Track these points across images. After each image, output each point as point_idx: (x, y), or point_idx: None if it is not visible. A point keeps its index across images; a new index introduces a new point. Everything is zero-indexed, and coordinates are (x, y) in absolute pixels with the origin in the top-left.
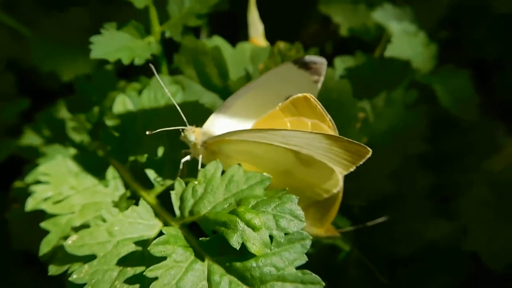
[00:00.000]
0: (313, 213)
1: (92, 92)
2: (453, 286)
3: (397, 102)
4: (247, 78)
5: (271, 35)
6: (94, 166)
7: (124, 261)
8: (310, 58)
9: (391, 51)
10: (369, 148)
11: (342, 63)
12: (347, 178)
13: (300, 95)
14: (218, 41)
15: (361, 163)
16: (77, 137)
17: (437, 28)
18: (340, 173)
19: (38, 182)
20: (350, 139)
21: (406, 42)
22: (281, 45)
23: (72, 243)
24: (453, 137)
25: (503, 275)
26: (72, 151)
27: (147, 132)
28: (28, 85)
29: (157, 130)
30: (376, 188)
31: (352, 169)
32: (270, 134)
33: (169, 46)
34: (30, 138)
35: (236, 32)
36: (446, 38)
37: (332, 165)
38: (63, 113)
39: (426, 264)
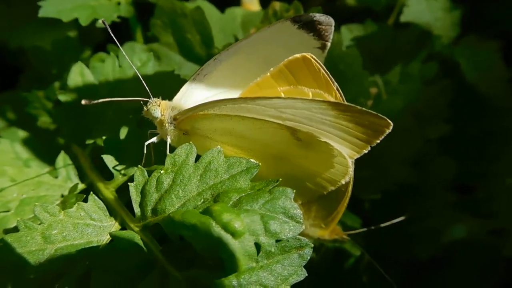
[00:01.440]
0: (316, 211)
1: (51, 64)
2: None
3: (414, 77)
4: None
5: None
6: (48, 152)
7: (61, 277)
8: (314, 16)
9: (408, 15)
10: (389, 120)
11: (349, 32)
12: (356, 166)
13: (297, 55)
14: (201, 3)
15: (378, 141)
16: (40, 119)
17: None
18: (349, 158)
19: None
20: (363, 108)
21: (424, 5)
22: (277, 5)
23: None
24: (476, 118)
25: None
26: (22, 134)
27: (82, 101)
28: None
29: (100, 100)
30: (391, 178)
31: (365, 151)
32: (259, 105)
33: (146, 10)
34: None
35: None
36: (469, 6)
37: (340, 147)
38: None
39: (452, 267)
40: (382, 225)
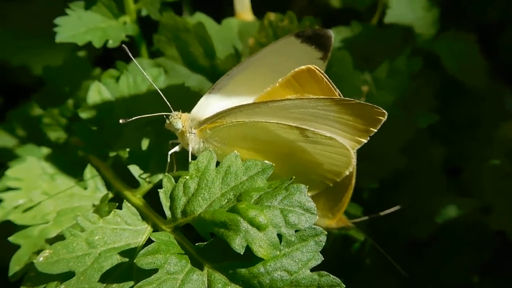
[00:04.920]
0: (323, 203)
1: (64, 82)
2: (477, 266)
3: (401, 71)
4: (236, 56)
5: (256, 12)
6: (72, 165)
7: (108, 277)
8: (315, 31)
9: (391, 17)
10: (383, 110)
11: (337, 34)
12: (356, 158)
13: (303, 67)
14: (201, 17)
15: (375, 130)
16: (52, 134)
17: None
18: (352, 148)
19: (8, 188)
20: (361, 101)
21: (406, 6)
22: (272, 16)
23: (44, 260)
24: (460, 106)
25: None
26: (45, 150)
27: (120, 121)
28: None
29: (134, 118)
30: (387, 167)
31: (365, 141)
32: (270, 108)
33: (148, 27)
34: (3, 140)
35: (219, 10)
36: (445, 2)
37: (343, 140)
38: (38, 109)
39: (446, 244)
40: (382, 213)
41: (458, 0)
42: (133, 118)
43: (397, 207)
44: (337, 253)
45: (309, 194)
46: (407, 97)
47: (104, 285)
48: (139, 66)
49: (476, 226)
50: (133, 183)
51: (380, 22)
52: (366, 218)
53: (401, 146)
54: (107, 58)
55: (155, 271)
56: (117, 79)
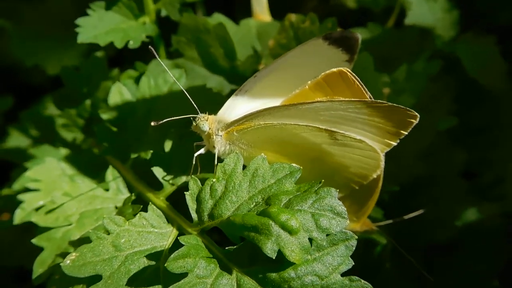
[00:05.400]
0: (348, 206)
1: (82, 83)
2: (495, 271)
3: (419, 74)
4: (256, 57)
5: (273, 15)
6: (90, 166)
7: (135, 280)
8: (343, 33)
9: (412, 18)
10: (415, 112)
11: None
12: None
13: (334, 69)
14: (220, 18)
15: (406, 133)
16: (68, 135)
17: None
18: (381, 151)
19: (27, 189)
20: (393, 104)
21: (426, 8)
22: (293, 17)
23: (71, 263)
24: (479, 109)
25: None
26: (64, 151)
27: (152, 123)
28: (11, 82)
29: (164, 120)
30: (409, 170)
31: (395, 144)
32: (299, 111)
33: (165, 27)
34: (17, 140)
35: (231, 11)
36: (463, 5)
37: (372, 143)
38: (51, 109)
39: (467, 249)
40: (405, 217)
41: (474, 2)
42: (164, 120)
43: (420, 211)
44: (358, 257)
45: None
46: (425, 100)
47: None
48: (164, 66)
49: (496, 231)
50: (155, 186)
51: (396, 23)
52: (390, 221)
53: (421, 149)
54: (121, 58)
55: (182, 275)
56: (136, 80)
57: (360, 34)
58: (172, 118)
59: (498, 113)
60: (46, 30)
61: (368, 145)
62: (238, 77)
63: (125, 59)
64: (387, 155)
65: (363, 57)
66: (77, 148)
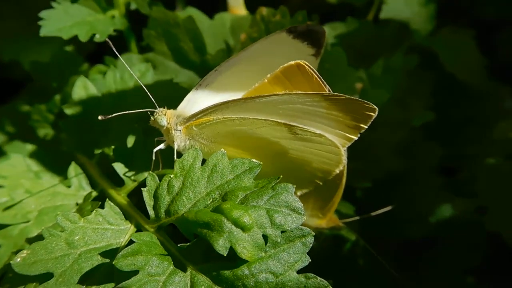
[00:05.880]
0: (313, 202)
1: (52, 78)
2: (472, 266)
3: (397, 69)
4: (228, 51)
5: (252, 8)
6: (57, 163)
7: (87, 278)
8: (308, 26)
9: (387, 12)
10: (373, 105)
11: (332, 30)
12: (349, 157)
13: (292, 62)
14: (192, 11)
15: (366, 127)
16: (40, 131)
17: None
18: (342, 146)
19: None
20: (351, 97)
21: (402, 1)
22: (264, 10)
23: (21, 261)
24: (457, 104)
25: None
26: (30, 147)
27: (99, 117)
28: None
29: (115, 114)
30: (381, 165)
31: (355, 138)
32: (257, 104)
33: (138, 21)
34: None
35: (215, 5)
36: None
37: (332, 137)
38: (27, 106)
39: (441, 245)
40: (373, 213)
41: None
42: (114, 115)
43: (388, 207)
44: (328, 254)
45: (299, 193)
46: (402, 95)
47: (84, 286)
48: (124, 62)
49: (470, 227)
50: (119, 182)
51: (376, 18)
52: (357, 218)
53: (395, 144)
54: (100, 54)
55: (136, 272)
56: (104, 74)
57: (332, 28)
58: (126, 112)
59: (477, 108)
60: (23, 26)
61: (328, 139)
62: (209, 72)
63: (104, 55)
64: (360, 150)
65: (335, 52)
66: (48, 144)
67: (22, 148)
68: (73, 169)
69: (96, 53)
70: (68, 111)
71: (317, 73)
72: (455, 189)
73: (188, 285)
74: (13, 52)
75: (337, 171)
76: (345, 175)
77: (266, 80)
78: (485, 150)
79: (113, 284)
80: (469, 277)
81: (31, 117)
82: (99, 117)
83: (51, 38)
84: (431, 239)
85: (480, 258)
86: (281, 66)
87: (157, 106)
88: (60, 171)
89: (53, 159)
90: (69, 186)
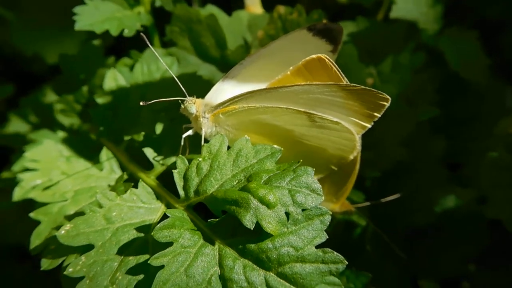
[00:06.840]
0: (328, 188)
1: (79, 70)
2: (474, 254)
3: (404, 66)
4: (246, 47)
5: (265, 6)
6: (86, 149)
7: (125, 250)
8: (326, 24)
9: (396, 12)
10: (387, 96)
11: (344, 29)
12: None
13: (313, 56)
14: (212, 9)
15: (379, 116)
16: (66, 120)
17: None
18: (356, 133)
19: (26, 169)
20: (366, 87)
21: (411, 2)
22: (281, 9)
23: (65, 233)
24: (462, 102)
25: None
26: (62, 134)
27: (141, 103)
28: (12, 70)
29: (153, 101)
30: (389, 157)
31: (369, 126)
32: (280, 94)
33: (160, 17)
34: (16, 125)
35: (227, 3)
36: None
37: (348, 125)
38: (50, 96)
39: (445, 233)
40: (382, 200)
41: None
42: (152, 101)
43: (397, 195)
44: (339, 238)
45: (315, 178)
46: (409, 91)
47: (122, 257)
48: (156, 53)
49: (473, 216)
50: (146, 166)
51: (385, 17)
52: (367, 203)
53: (402, 138)
54: (118, 48)
55: (169, 244)
56: (131, 67)
57: (343, 27)
58: (161, 100)
59: (480, 105)
60: (45, 20)
61: (344, 127)
62: (229, 66)
63: (122, 48)
64: (370, 141)
65: (348, 49)
66: (74, 133)
67: (50, 135)
68: (105, 153)
69: (114, 47)
70: (99, 100)
71: (336, 65)
72: (461, 183)
73: (217, 257)
74: (35, 46)
75: (351, 157)
76: (358, 162)
77: (288, 72)
78: (487, 145)
79: (148, 256)
80: (471, 265)
81: (56, 107)
82: (141, 103)
83: (72, 33)
84: (437, 228)
85: (481, 247)
86: (303, 60)
87: (187, 95)
88: (89, 157)
89: (83, 146)
90: (101, 170)
